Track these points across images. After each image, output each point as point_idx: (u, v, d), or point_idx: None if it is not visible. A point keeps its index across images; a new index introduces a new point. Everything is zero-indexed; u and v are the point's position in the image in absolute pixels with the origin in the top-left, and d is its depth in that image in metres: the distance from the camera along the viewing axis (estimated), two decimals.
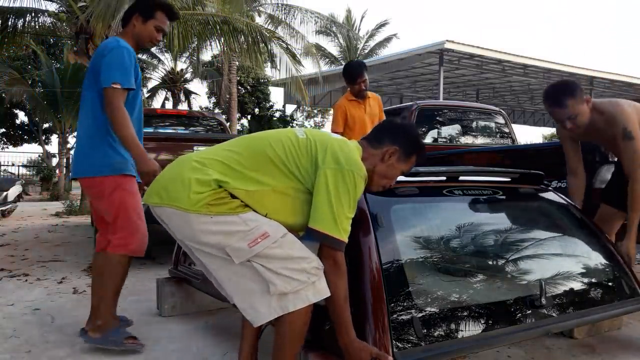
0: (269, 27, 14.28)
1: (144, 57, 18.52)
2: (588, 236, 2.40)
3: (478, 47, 14.14)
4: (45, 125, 24.05)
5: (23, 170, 23.55)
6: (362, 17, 37.78)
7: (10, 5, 11.14)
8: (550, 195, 2.51)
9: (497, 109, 5.98)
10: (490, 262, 2.11)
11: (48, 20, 12.02)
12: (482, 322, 1.79)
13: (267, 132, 1.73)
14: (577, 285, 2.16)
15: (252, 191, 1.56)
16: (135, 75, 2.35)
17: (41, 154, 23.91)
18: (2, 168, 21.49)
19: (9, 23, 11.22)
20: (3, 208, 8.99)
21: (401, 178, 1.90)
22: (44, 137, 23.98)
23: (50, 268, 4.29)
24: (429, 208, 2.09)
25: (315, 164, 1.58)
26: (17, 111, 24.00)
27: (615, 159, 2.82)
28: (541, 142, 19.77)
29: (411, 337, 1.59)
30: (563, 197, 2.55)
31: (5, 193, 8.92)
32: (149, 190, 1.68)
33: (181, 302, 2.85)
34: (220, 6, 12.99)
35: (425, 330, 1.61)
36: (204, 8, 12.72)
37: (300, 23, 14.76)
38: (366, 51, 25.85)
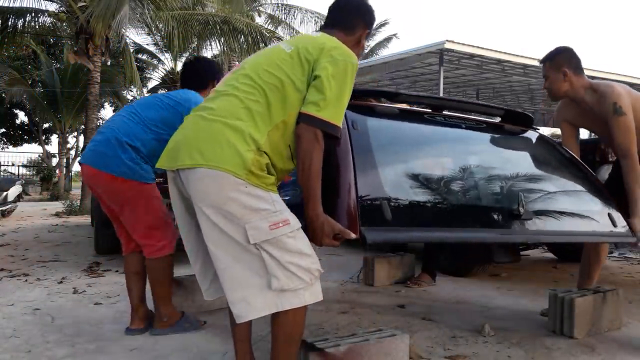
0: (269, 27, 14.31)
1: (144, 57, 18.50)
2: (574, 172, 2.46)
3: (478, 47, 14.13)
4: (45, 125, 24.05)
5: (23, 170, 23.56)
6: None
7: (10, 5, 11.16)
8: (537, 136, 2.58)
9: None
10: (467, 174, 2.18)
11: (48, 20, 12.04)
12: (451, 219, 1.89)
13: (257, 60, 1.66)
14: (556, 206, 2.24)
15: (270, 132, 1.53)
16: None
17: (41, 154, 23.92)
18: (2, 168, 21.49)
19: (9, 23, 11.25)
20: (3, 208, 9.00)
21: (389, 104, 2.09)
22: (44, 137, 23.98)
23: (50, 268, 4.29)
24: (409, 126, 2.19)
25: (313, 66, 1.58)
26: (17, 111, 23.99)
27: (614, 159, 2.83)
28: None
29: (378, 219, 1.68)
30: (551, 139, 2.64)
31: (5, 193, 8.92)
32: (171, 155, 1.58)
33: (181, 302, 2.84)
34: (220, 6, 12.98)
35: (392, 215, 1.70)
36: (204, 8, 12.73)
37: (300, 23, 14.80)
38: (366, 51, 25.85)
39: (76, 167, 25.60)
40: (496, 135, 2.49)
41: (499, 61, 15.48)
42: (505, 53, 14.70)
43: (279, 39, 13.22)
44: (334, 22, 1.82)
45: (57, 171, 19.99)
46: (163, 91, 23.68)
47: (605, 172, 3.02)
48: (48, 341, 2.39)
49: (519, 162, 2.45)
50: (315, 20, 15.19)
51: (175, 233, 2.40)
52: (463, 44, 13.77)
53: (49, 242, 5.97)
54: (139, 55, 17.70)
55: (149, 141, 2.42)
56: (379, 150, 1.88)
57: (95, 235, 5.08)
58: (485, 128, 2.44)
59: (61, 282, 3.73)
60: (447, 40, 13.40)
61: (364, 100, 2.10)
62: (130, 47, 14.20)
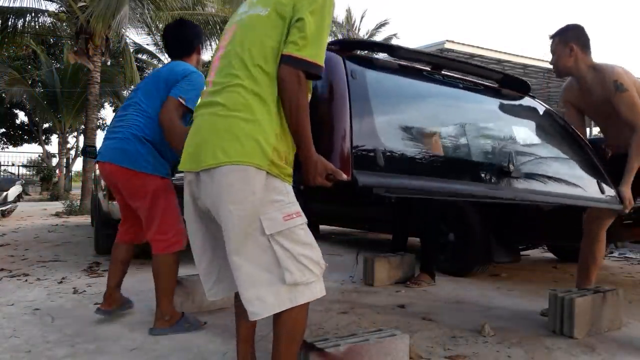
0: None
1: (144, 57, 18.48)
2: (567, 139, 2.54)
3: (478, 47, 14.13)
4: (45, 125, 24.05)
5: (23, 170, 23.57)
6: (362, 16, 37.74)
7: (10, 5, 11.17)
8: (533, 102, 2.68)
9: None
10: (462, 131, 2.23)
11: (48, 20, 12.04)
12: (442, 171, 1.92)
13: (243, 37, 1.60)
14: (545, 169, 2.29)
15: (278, 103, 1.53)
16: None
17: (41, 154, 23.92)
18: (2, 168, 21.49)
19: (9, 23, 11.26)
20: (3, 208, 9.00)
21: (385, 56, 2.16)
22: (44, 137, 23.97)
23: (50, 268, 4.29)
24: (407, 81, 2.23)
25: (292, 14, 1.54)
26: (17, 111, 24.00)
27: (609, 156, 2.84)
28: None
29: (370, 165, 1.71)
30: (547, 106, 2.73)
31: (5, 193, 8.93)
32: (193, 157, 1.57)
33: (181, 302, 2.84)
34: (220, 6, 12.98)
35: (384, 163, 1.73)
36: (204, 8, 12.73)
37: None
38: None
39: (76, 167, 25.65)
40: (493, 98, 2.54)
41: (499, 61, 15.48)
42: (505, 53, 14.70)
43: None
44: None
45: (57, 171, 20.00)
46: None
47: None
48: (48, 341, 2.39)
49: (513, 124, 2.52)
50: None
51: (185, 233, 2.47)
52: (463, 44, 13.78)
53: (49, 242, 5.97)
54: (139, 55, 17.67)
55: (161, 132, 2.45)
56: (375, 100, 1.89)
57: (95, 235, 5.08)
58: (483, 90, 2.49)
59: (61, 282, 3.73)
60: (447, 40, 13.41)
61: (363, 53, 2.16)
62: (130, 47, 14.18)
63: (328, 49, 1.81)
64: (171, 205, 2.49)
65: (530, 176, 2.14)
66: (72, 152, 23.64)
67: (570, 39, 2.55)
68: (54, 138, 25.01)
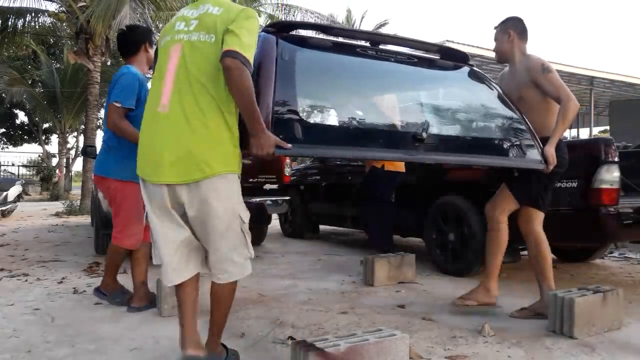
0: None
1: None
2: (500, 106, 2.68)
3: (478, 47, 14.11)
4: (45, 125, 24.04)
5: (23, 170, 23.57)
6: (362, 17, 37.63)
7: (10, 5, 11.16)
8: (471, 71, 2.82)
9: None
10: (381, 103, 2.36)
11: (48, 20, 12.03)
12: (357, 140, 2.07)
13: (193, 60, 1.80)
14: (464, 133, 2.44)
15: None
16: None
17: (41, 154, 23.91)
18: (2, 168, 21.49)
19: (9, 23, 11.24)
20: (3, 208, 9.01)
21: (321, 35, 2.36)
22: (44, 137, 23.96)
23: (50, 268, 4.30)
24: (337, 58, 2.34)
25: (228, 25, 1.77)
26: (17, 111, 23.99)
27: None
28: None
29: (290, 138, 1.85)
30: (486, 76, 2.89)
31: (5, 193, 8.93)
32: (175, 169, 1.77)
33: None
34: None
35: (302, 135, 1.90)
36: None
37: None
38: None
39: (76, 167, 25.64)
40: (425, 69, 2.64)
41: None
42: None
43: None
44: None
45: (57, 171, 19.99)
46: None
47: (605, 173, 3.02)
48: (48, 341, 2.39)
49: (439, 92, 2.64)
50: (315, 20, 15.18)
51: (135, 237, 2.82)
52: (463, 44, 13.75)
53: (49, 242, 5.98)
54: None
55: (123, 139, 2.73)
56: (301, 79, 2.04)
57: (95, 235, 5.08)
58: (415, 62, 2.59)
59: (61, 282, 3.73)
60: (447, 41, 13.38)
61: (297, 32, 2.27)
62: None
63: (264, 31, 2.15)
64: (126, 206, 2.81)
65: (446, 140, 2.27)
66: (72, 152, 23.63)
67: (509, 27, 2.83)
68: (54, 138, 24.98)
